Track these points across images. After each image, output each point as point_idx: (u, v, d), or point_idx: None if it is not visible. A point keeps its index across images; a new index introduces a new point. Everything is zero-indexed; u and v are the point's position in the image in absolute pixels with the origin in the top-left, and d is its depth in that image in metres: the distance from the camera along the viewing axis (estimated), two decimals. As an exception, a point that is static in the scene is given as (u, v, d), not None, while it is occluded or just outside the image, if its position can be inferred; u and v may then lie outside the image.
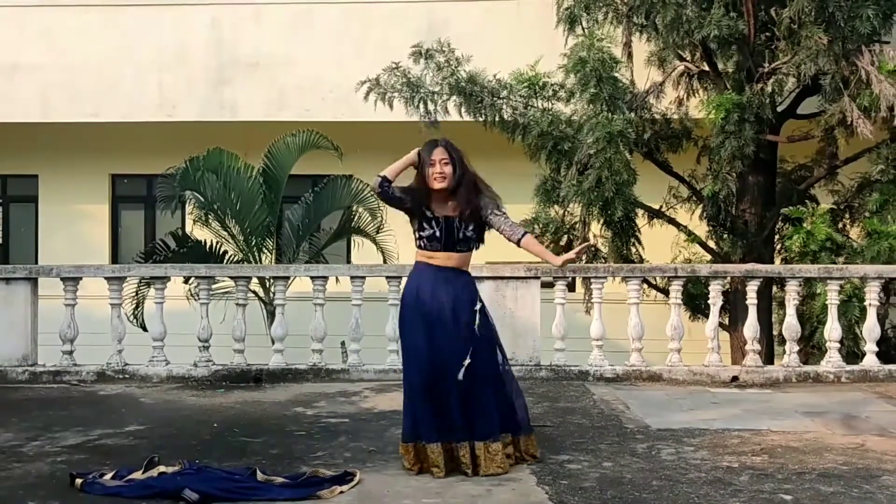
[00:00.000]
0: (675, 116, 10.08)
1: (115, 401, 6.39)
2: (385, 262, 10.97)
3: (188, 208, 11.86)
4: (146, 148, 13.06)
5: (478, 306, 4.52)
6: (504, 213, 4.62)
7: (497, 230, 4.63)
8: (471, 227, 4.59)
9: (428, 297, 4.47)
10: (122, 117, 12.67)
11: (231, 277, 7.76)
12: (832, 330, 7.25)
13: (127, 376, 7.10)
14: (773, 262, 9.75)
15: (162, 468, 4.29)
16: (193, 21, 12.75)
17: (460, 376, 4.33)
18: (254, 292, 10.19)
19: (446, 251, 4.55)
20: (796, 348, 7.26)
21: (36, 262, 13.69)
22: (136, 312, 10.31)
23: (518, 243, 4.61)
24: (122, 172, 14.10)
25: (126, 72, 12.55)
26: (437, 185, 4.50)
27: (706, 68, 9.75)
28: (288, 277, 7.54)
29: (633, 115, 9.28)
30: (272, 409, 6.03)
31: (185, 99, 12.65)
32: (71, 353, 7.20)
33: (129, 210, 14.37)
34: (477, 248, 4.69)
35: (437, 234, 4.54)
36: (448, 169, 4.51)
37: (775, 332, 9.70)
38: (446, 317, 4.44)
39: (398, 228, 11.27)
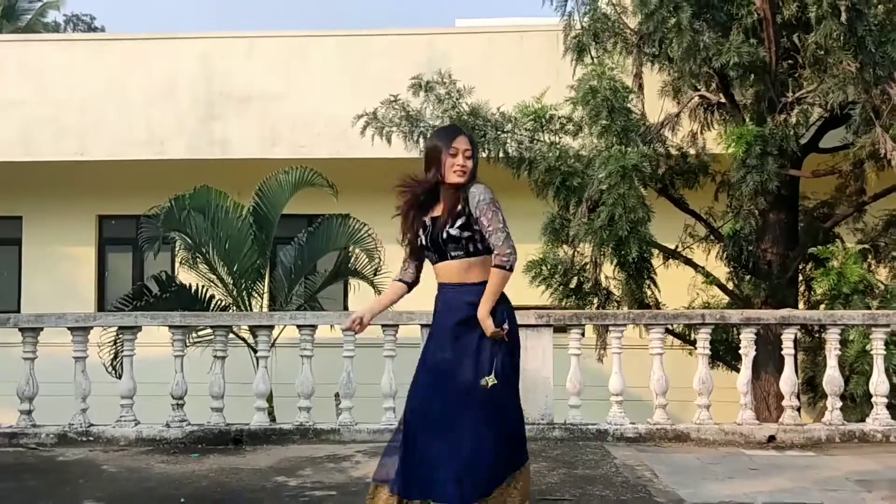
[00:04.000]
0: (692, 150, 9.50)
1: (74, 468, 5.66)
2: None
3: (176, 250, 11.23)
4: (134, 187, 12.45)
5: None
6: (497, 225, 3.62)
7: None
8: (458, 223, 3.64)
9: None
10: (108, 155, 12.17)
11: (210, 327, 7.05)
12: (879, 383, 6.52)
13: (91, 438, 6.35)
14: (797, 306, 9.07)
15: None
16: (183, 55, 12.29)
17: None
18: (242, 339, 9.51)
19: (441, 261, 3.74)
20: (839, 404, 6.53)
21: (18, 307, 13.08)
22: (114, 363, 9.59)
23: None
24: (110, 213, 13.53)
25: (112, 108, 12.06)
26: (454, 180, 3.66)
27: (723, 99, 9.16)
28: (272, 326, 6.83)
29: (646, 148, 8.67)
30: (250, 479, 5.30)
31: (175, 136, 12.13)
32: (29, 412, 6.46)
33: (117, 252, 13.78)
34: (477, 250, 3.68)
35: (424, 241, 3.75)
36: (470, 164, 3.70)
37: (800, 379, 8.99)
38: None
39: (397, 270, 10.65)
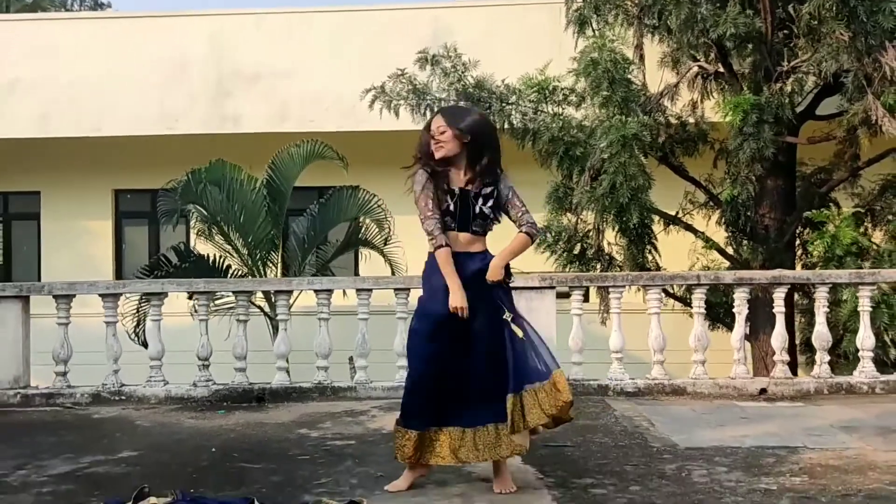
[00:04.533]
0: (691, 119, 9.78)
1: (109, 424, 6.07)
2: (393, 273, 10.65)
3: (192, 222, 11.60)
4: (149, 162, 12.82)
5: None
6: (522, 204, 4.22)
7: (508, 216, 4.24)
8: (489, 204, 4.16)
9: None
10: (123, 131, 12.47)
11: (232, 292, 7.45)
12: (865, 338, 6.87)
13: (123, 398, 6.77)
14: (794, 268, 9.40)
15: (153, 500, 3.96)
16: (193, 33, 12.57)
17: None
18: (259, 307, 9.91)
19: (461, 231, 4.18)
20: (827, 358, 6.89)
21: (39, 281, 13.47)
22: (137, 330, 10.02)
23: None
24: (125, 188, 13.89)
25: (126, 86, 12.35)
26: (437, 154, 4.14)
27: (721, 69, 9.43)
28: (291, 291, 7.22)
29: (647, 118, 8.97)
30: (274, 432, 5.69)
31: (187, 112, 12.44)
32: (65, 374, 6.88)
33: (133, 225, 14.16)
34: (487, 231, 4.24)
35: (451, 208, 4.16)
36: (445, 136, 4.13)
37: (798, 341, 9.35)
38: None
39: (406, 240, 11.04)
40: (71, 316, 6.95)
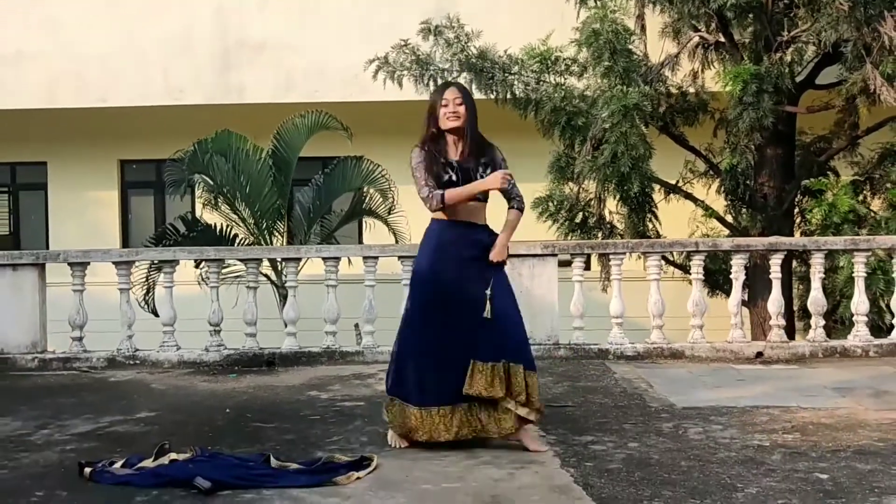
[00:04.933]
0: (691, 89, 9.88)
1: (125, 387, 6.27)
2: (397, 242, 10.81)
3: (198, 192, 11.74)
4: (154, 133, 12.93)
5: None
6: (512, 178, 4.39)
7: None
8: (487, 171, 4.33)
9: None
10: (129, 102, 12.56)
11: (241, 260, 7.64)
12: (859, 303, 7.05)
13: (137, 362, 6.98)
14: (792, 236, 9.55)
15: (173, 455, 4.15)
16: (198, 4, 12.58)
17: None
18: (266, 276, 10.08)
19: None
20: (822, 322, 7.07)
21: (47, 250, 13.63)
22: (146, 298, 10.21)
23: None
24: (131, 158, 14.01)
25: (132, 57, 12.41)
26: (449, 124, 4.30)
27: (722, 39, 9.51)
28: (299, 259, 7.40)
29: (648, 88, 9.07)
30: (286, 394, 5.89)
31: (192, 83, 12.52)
32: (80, 339, 7.08)
33: (139, 195, 14.31)
34: (487, 197, 4.41)
35: (455, 178, 4.33)
36: (462, 109, 4.32)
37: (795, 307, 9.54)
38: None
39: (410, 209, 11.17)
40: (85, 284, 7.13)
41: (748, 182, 9.48)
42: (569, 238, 9.79)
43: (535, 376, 4.36)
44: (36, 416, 5.29)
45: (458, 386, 4.26)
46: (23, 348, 7.00)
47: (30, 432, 4.91)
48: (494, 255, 4.33)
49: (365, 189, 11.32)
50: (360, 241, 12.61)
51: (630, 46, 9.09)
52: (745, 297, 9.42)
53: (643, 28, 9.61)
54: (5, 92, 12.47)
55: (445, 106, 4.30)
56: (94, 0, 13.28)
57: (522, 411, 4.27)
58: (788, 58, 8.91)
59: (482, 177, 4.32)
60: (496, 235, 4.40)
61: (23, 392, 6.13)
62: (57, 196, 13.95)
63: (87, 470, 4.03)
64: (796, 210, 9.99)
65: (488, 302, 4.26)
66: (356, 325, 9.15)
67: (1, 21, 12.55)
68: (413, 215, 11.09)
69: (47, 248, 13.64)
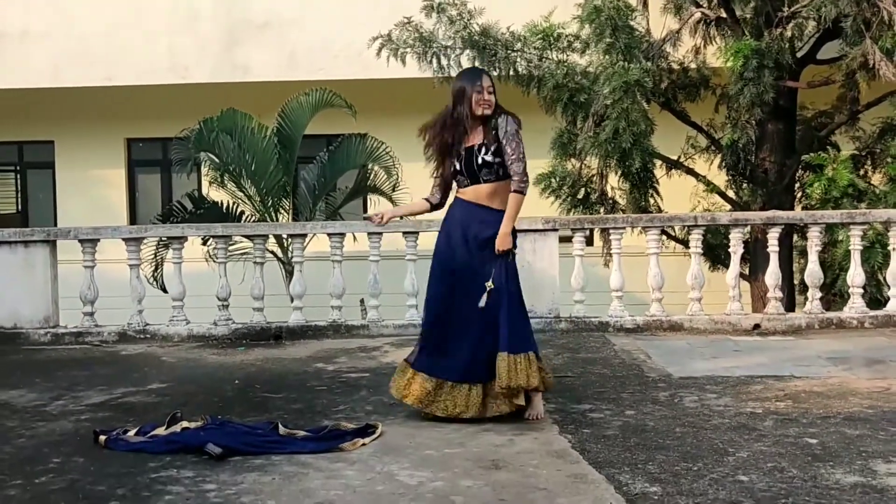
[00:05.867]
0: (693, 65, 9.94)
1: (137, 360, 6.43)
2: (401, 218, 10.89)
3: (204, 170, 11.85)
4: (160, 111, 13.03)
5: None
6: (518, 155, 4.34)
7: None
8: (491, 150, 4.35)
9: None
10: (134, 81, 12.63)
11: (248, 236, 7.78)
12: (855, 276, 7.16)
13: (148, 336, 7.14)
14: (792, 210, 9.64)
15: (185, 423, 4.30)
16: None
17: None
18: (272, 252, 10.21)
19: (473, 184, 4.43)
20: (819, 295, 7.19)
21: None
22: (155, 274, 10.37)
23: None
24: (138, 136, 14.11)
25: (137, 35, 12.46)
26: (481, 112, 4.37)
27: (723, 15, 9.56)
28: (305, 235, 7.55)
29: (649, 64, 9.15)
30: (293, 366, 6.04)
31: (197, 60, 12.59)
32: (92, 314, 7.24)
33: (146, 173, 14.42)
34: (506, 174, 4.36)
35: (459, 167, 4.44)
36: (493, 98, 4.40)
37: (796, 281, 9.64)
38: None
39: (414, 186, 11.27)
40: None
41: (749, 157, 9.55)
42: (571, 214, 9.89)
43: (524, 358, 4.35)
44: (50, 388, 5.45)
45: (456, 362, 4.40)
46: (35, 323, 7.16)
47: (45, 403, 5.07)
48: (499, 245, 4.35)
49: (369, 166, 11.43)
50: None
51: (632, 23, 9.16)
52: (746, 271, 9.54)
53: (645, 4, 9.66)
54: (11, 71, 12.57)
55: (479, 93, 4.37)
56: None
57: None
58: (789, 33, 8.96)
59: (483, 157, 4.37)
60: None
61: (37, 365, 6.29)
62: (64, 174, 14.06)
63: (102, 438, 4.19)
64: (797, 185, 10.07)
65: (486, 295, 4.33)
66: (361, 301, 9.30)
67: (7, 1, 12.61)
68: (417, 192, 11.16)
69: (55, 226, 13.78)
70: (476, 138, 4.42)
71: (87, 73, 12.63)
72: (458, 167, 4.44)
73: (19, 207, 14.46)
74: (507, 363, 4.29)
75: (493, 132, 4.38)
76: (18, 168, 14.53)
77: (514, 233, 4.47)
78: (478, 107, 4.37)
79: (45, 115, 13.64)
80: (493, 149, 4.36)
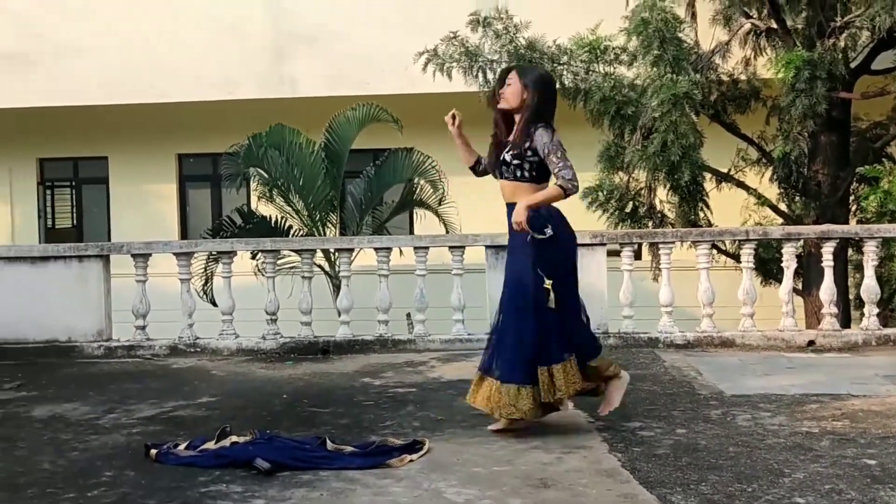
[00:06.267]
0: (743, 76, 9.81)
1: (187, 373, 6.51)
2: (447, 232, 10.93)
3: (253, 185, 12.00)
4: (210, 127, 13.26)
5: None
6: (563, 163, 4.26)
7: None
8: (513, 152, 4.36)
9: None
10: (185, 97, 12.86)
11: (296, 251, 7.84)
12: (914, 291, 6.97)
13: (198, 350, 7.23)
14: (847, 224, 9.43)
15: (234, 438, 4.33)
16: (251, -1, 12.83)
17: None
18: (319, 266, 10.29)
19: (499, 178, 4.50)
20: (876, 311, 7.01)
21: (110, 242, 14.05)
22: (205, 288, 10.51)
23: None
24: (188, 152, 14.36)
25: (188, 52, 12.71)
26: (499, 107, 4.44)
27: (774, 25, 9.43)
28: (352, 249, 7.56)
29: (698, 76, 9.05)
30: (340, 380, 6.06)
31: (246, 77, 12.78)
32: (143, 328, 7.35)
33: (196, 188, 14.66)
34: (522, 177, 4.36)
35: (489, 158, 4.55)
36: (508, 90, 4.41)
37: (851, 297, 9.43)
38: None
39: (460, 200, 11.30)
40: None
41: (802, 170, 9.38)
42: (619, 227, 9.81)
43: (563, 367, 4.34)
44: (103, 402, 5.54)
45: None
46: (89, 337, 7.29)
47: (98, 416, 5.15)
48: (513, 217, 4.31)
49: (415, 180, 11.47)
50: (412, 232, 12.76)
51: (680, 34, 9.07)
52: (799, 286, 9.35)
53: (693, 16, 9.58)
54: (67, 88, 12.89)
55: (500, 87, 4.45)
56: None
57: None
58: (842, 43, 8.80)
59: (504, 155, 4.40)
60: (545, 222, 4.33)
61: (90, 378, 6.40)
62: (118, 189, 14.37)
63: (153, 451, 4.23)
64: (851, 198, 9.87)
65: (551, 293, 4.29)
66: (408, 315, 9.31)
67: (61, 18, 12.94)
68: (463, 206, 11.25)
69: (109, 240, 14.04)
70: (508, 135, 4.47)
71: (140, 90, 12.89)
72: (489, 158, 4.57)
73: (75, 222, 14.79)
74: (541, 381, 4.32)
75: (525, 138, 4.34)
76: (74, 183, 14.87)
77: (564, 236, 4.42)
78: (495, 101, 4.47)
79: (99, 132, 13.95)
80: (514, 152, 4.37)
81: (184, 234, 14.21)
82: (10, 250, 7.47)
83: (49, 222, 14.74)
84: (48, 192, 14.79)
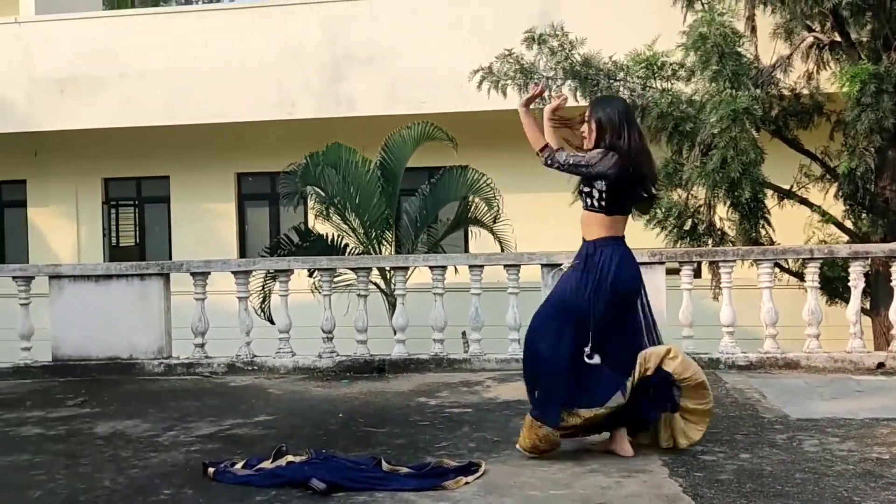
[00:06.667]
0: (805, 91, 9.60)
1: (244, 392, 6.56)
2: (503, 251, 10.88)
3: (310, 203, 12.13)
4: (268, 146, 13.46)
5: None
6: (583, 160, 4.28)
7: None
8: (583, 181, 4.36)
9: None
10: (244, 117, 13.09)
11: (352, 269, 7.87)
12: None
13: (255, 368, 7.29)
14: (917, 242, 9.13)
15: (290, 457, 4.34)
16: (307, 19, 13.02)
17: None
18: (375, 284, 10.33)
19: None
20: (949, 332, 6.75)
21: (170, 260, 14.33)
22: (262, 306, 10.62)
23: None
24: (247, 171, 14.59)
25: (246, 72, 12.94)
26: (584, 147, 4.40)
27: (838, 38, 9.22)
28: (407, 268, 7.58)
29: (758, 91, 8.88)
30: (396, 400, 6.04)
31: (303, 96, 12.95)
32: (202, 345, 7.44)
33: (255, 207, 14.87)
34: (594, 206, 4.30)
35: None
36: (584, 127, 4.40)
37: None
38: None
39: (515, 218, 11.26)
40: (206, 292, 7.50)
41: (868, 186, 9.12)
42: (678, 245, 9.65)
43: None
44: (163, 419, 5.61)
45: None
46: (150, 354, 7.41)
47: (158, 434, 5.21)
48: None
49: (470, 198, 11.46)
50: (466, 250, 12.75)
51: (739, 49, 8.91)
52: (867, 306, 9.07)
53: (753, 30, 9.41)
54: (130, 110, 13.22)
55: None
56: (209, 16, 13.99)
57: None
58: (909, 56, 8.55)
59: (581, 188, 4.38)
60: (604, 250, 4.30)
61: (150, 395, 6.49)
62: (178, 208, 14.66)
63: (211, 470, 4.26)
64: (922, 215, 9.54)
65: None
66: (463, 333, 9.27)
67: (125, 41, 13.30)
68: (518, 224, 11.20)
69: (170, 258, 14.32)
70: None
71: (200, 111, 13.16)
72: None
73: (138, 240, 15.12)
74: None
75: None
76: (137, 202, 15.21)
77: (624, 264, 4.39)
78: (581, 138, 4.44)
79: (160, 152, 14.28)
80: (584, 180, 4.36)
81: (242, 252, 14.41)
82: (74, 269, 7.63)
83: (113, 240, 15.10)
84: (112, 210, 15.16)
